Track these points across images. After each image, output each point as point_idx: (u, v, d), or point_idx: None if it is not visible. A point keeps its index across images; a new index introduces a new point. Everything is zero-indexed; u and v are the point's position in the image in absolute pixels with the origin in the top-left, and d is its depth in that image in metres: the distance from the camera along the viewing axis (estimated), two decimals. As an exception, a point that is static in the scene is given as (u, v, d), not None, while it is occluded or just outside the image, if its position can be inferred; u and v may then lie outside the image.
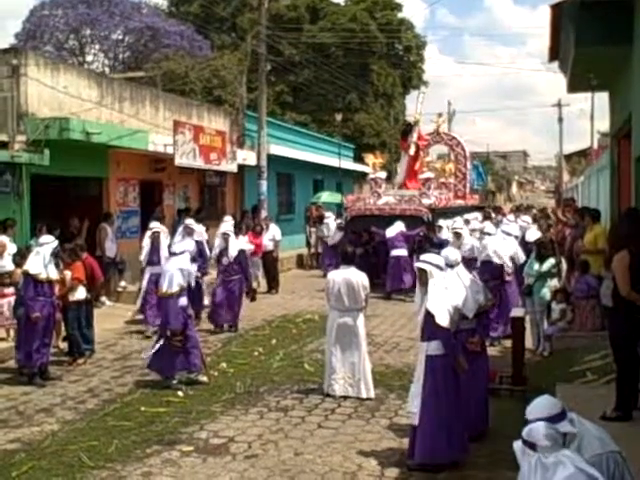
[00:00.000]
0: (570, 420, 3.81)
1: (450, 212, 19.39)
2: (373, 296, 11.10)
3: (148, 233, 13.73)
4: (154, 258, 13.23)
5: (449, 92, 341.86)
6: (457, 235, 14.38)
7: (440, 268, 6.91)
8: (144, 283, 13.27)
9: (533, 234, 15.16)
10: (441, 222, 17.40)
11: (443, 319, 6.54)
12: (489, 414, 7.64)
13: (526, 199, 78.05)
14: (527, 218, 18.50)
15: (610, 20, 8.21)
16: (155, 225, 13.78)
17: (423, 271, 6.87)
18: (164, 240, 13.56)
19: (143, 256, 13.46)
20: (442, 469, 6.53)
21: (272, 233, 18.55)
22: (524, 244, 14.11)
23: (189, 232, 13.43)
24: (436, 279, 6.78)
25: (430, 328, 6.61)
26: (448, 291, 6.79)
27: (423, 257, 7.18)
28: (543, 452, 3.60)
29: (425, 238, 17.61)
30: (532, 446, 3.65)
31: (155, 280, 12.24)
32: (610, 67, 9.37)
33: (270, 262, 18.39)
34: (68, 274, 10.72)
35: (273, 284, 18.24)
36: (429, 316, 6.60)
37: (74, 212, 15.49)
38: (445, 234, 16.87)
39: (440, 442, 6.49)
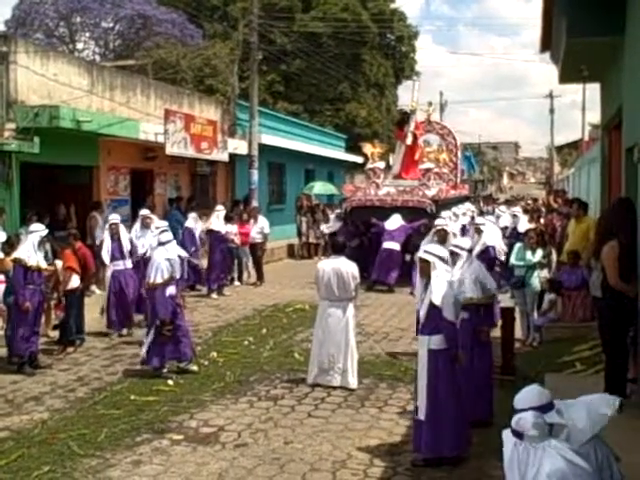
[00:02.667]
0: (557, 411, 3.82)
1: (449, 203, 19.20)
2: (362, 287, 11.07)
3: (106, 226, 12.60)
4: (116, 254, 12.04)
5: (442, 82, 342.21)
6: (478, 231, 13.09)
7: (443, 260, 6.81)
8: (107, 283, 12.17)
9: (524, 225, 15.24)
10: (443, 214, 17.17)
11: (450, 313, 6.46)
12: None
13: (510, 189, 78.24)
14: (518, 209, 18.53)
15: (602, 11, 8.19)
16: (114, 217, 12.59)
17: (426, 262, 6.68)
18: (125, 233, 12.36)
19: (104, 252, 12.06)
20: (446, 463, 6.48)
21: (260, 225, 18.14)
22: (516, 235, 14.17)
23: (146, 224, 13.03)
24: (439, 271, 6.64)
25: (434, 322, 6.51)
26: (452, 283, 6.72)
27: (426, 248, 7.05)
28: (530, 441, 3.62)
29: (428, 230, 17.45)
30: (520, 435, 3.66)
31: (118, 278, 11.89)
32: (602, 58, 9.36)
33: (257, 254, 18.07)
34: (59, 263, 10.68)
35: (258, 276, 18.00)
36: (433, 309, 6.49)
37: (64, 200, 15.44)
38: (451, 226, 16.73)
39: (446, 436, 6.45)
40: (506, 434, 3.80)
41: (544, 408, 3.74)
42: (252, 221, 18.23)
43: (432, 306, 6.51)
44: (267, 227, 18.38)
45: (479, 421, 7.17)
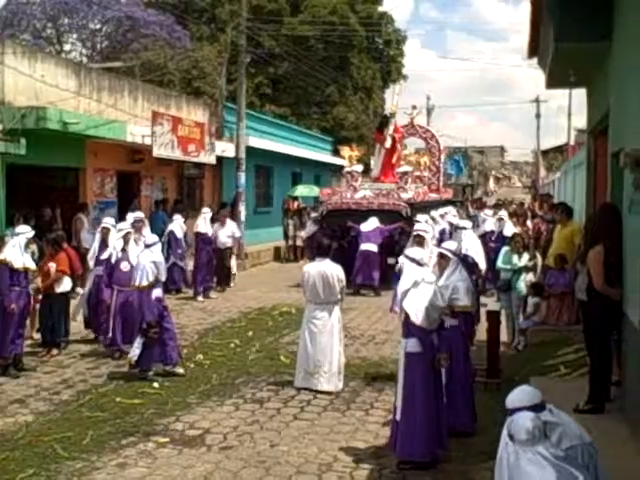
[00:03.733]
0: (550, 410, 3.84)
1: (427, 206, 19.26)
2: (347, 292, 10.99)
3: (98, 228, 12.18)
4: (102, 257, 11.43)
5: (430, 87, 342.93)
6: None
7: (419, 264, 6.89)
8: (87, 287, 11.77)
9: (510, 229, 15.33)
10: (419, 217, 17.23)
11: (417, 317, 6.50)
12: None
13: (493, 193, 78.50)
14: (504, 213, 18.60)
15: (589, 16, 8.23)
16: (107, 220, 12.25)
17: (443, 257, 6.83)
18: (113, 238, 11.50)
19: (90, 254, 11.72)
20: (422, 467, 6.49)
21: (230, 229, 17.24)
22: (502, 239, 14.24)
23: (138, 228, 12.24)
24: (413, 275, 6.75)
25: (407, 325, 6.60)
26: (428, 287, 6.70)
27: (406, 252, 7.17)
28: (521, 445, 3.62)
29: (403, 233, 17.52)
30: (512, 437, 3.67)
31: (99, 284, 11.20)
32: (589, 63, 9.41)
33: (225, 258, 17.14)
34: (53, 266, 10.62)
35: (226, 280, 17.39)
36: (406, 313, 6.60)
37: (50, 202, 15.38)
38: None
39: (416, 441, 6.45)
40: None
41: (537, 407, 3.76)
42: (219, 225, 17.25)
43: (403, 309, 6.62)
44: (237, 231, 17.92)
45: (462, 432, 7.18)
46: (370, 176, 20.89)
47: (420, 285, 6.67)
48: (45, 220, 14.80)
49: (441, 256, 7.80)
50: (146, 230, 12.52)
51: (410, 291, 6.64)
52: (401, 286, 7.02)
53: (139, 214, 13.35)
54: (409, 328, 6.57)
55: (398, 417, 6.57)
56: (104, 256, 11.25)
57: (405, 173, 19.26)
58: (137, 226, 12.31)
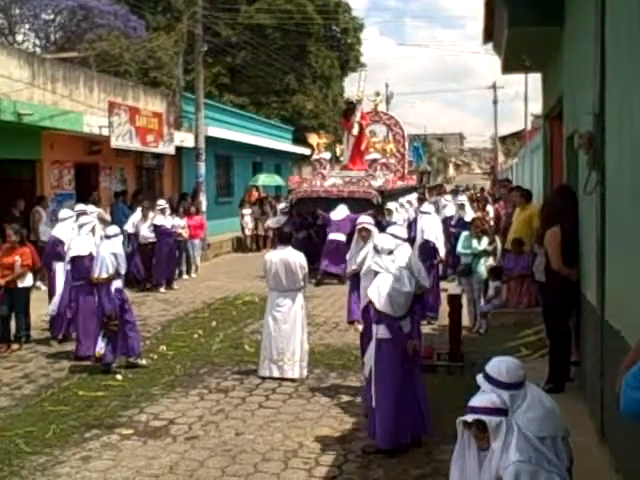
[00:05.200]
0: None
1: (395, 194, 19.20)
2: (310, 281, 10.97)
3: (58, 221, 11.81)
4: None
5: (389, 74, 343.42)
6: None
7: (381, 251, 6.89)
8: (62, 285, 11.09)
9: (470, 214, 15.47)
10: (390, 205, 17.20)
11: (380, 304, 6.52)
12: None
13: (452, 179, 79.17)
14: (463, 197, 18.73)
15: (542, 2, 8.35)
16: (92, 209, 12.49)
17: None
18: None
19: (66, 247, 11.05)
20: (394, 452, 6.49)
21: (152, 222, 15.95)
22: (462, 224, 14.35)
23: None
24: (375, 262, 6.80)
25: (375, 313, 6.62)
26: (391, 274, 6.70)
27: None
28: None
29: (374, 221, 17.43)
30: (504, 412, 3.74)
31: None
32: (542, 48, 9.54)
33: (150, 253, 16.10)
34: (18, 259, 10.45)
35: (153, 277, 16.21)
36: (369, 300, 6.65)
37: (6, 195, 15.11)
38: (395, 217, 16.81)
39: (390, 427, 6.47)
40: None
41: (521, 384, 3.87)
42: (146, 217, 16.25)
43: (367, 297, 6.70)
44: (167, 224, 16.28)
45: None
46: (338, 163, 20.78)
47: (382, 272, 6.70)
48: (13, 213, 14.52)
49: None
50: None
51: (377, 278, 6.67)
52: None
53: (90, 207, 12.74)
54: (377, 315, 6.59)
55: (373, 404, 6.57)
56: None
57: (374, 160, 19.05)
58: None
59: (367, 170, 18.83)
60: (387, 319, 6.52)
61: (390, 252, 6.86)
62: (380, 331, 6.58)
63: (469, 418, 3.70)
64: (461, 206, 16.41)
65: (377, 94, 23.59)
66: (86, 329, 9.88)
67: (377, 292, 6.58)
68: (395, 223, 15.44)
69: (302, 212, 18.33)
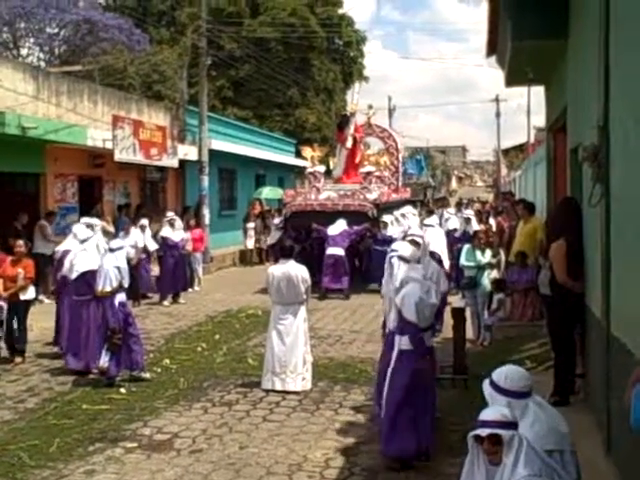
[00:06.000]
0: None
1: (390, 207, 19.14)
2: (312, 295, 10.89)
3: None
4: None
5: (392, 87, 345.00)
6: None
7: (409, 260, 6.84)
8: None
9: (476, 227, 15.49)
10: (385, 218, 17.17)
11: (410, 313, 6.47)
12: None
13: (453, 192, 79.17)
14: (470, 212, 18.71)
15: (546, 14, 8.37)
16: (95, 222, 12.02)
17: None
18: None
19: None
20: (409, 464, 6.43)
21: (133, 239, 15.25)
22: (468, 237, 14.35)
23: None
24: (405, 271, 6.74)
25: (400, 322, 6.58)
26: (419, 285, 6.65)
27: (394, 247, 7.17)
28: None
29: (369, 235, 17.43)
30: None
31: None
32: (546, 61, 9.56)
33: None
34: (21, 272, 10.45)
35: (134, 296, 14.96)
36: (398, 309, 6.60)
37: (10, 208, 15.12)
38: (390, 230, 16.81)
39: (407, 437, 6.39)
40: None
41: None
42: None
43: (396, 306, 6.59)
44: (141, 240, 15.77)
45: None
46: (332, 177, 20.71)
47: (410, 282, 6.65)
48: (16, 227, 14.53)
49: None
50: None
51: (402, 288, 6.63)
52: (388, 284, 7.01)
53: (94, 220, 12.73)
54: (402, 324, 6.55)
55: (383, 414, 6.55)
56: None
57: (369, 173, 18.95)
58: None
59: (362, 183, 18.70)
60: (412, 329, 6.48)
61: (418, 261, 6.82)
62: (403, 342, 6.54)
63: (483, 432, 3.60)
64: (467, 220, 16.39)
65: (370, 107, 23.42)
66: (87, 343, 9.85)
67: (405, 301, 6.53)
68: (390, 236, 15.53)
69: (297, 226, 18.13)
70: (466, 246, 12.11)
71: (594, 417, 6.83)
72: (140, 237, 15.88)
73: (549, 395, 7.21)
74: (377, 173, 20.07)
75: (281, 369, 8.87)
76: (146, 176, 21.09)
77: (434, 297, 6.65)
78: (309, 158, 19.87)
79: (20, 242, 10.70)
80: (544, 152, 13.55)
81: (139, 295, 15.35)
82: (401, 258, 6.89)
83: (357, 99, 21.33)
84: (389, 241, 13.36)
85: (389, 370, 6.60)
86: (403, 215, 19.00)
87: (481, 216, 20.05)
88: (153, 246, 16.23)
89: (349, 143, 19.88)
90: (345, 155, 20.08)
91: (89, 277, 9.93)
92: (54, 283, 12.05)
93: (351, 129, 20.03)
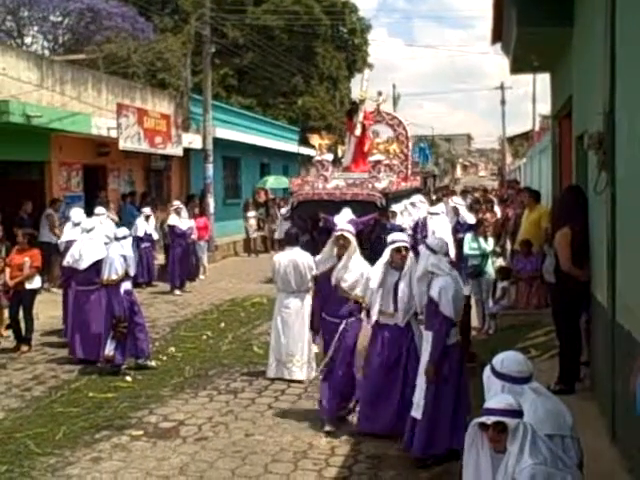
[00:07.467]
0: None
1: (400, 196, 18.96)
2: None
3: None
4: None
5: (397, 75, 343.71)
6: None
7: (434, 251, 6.41)
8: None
9: (469, 217, 15.39)
10: (394, 207, 17.02)
11: (448, 310, 6.12)
12: None
13: (457, 181, 79.05)
14: (459, 199, 18.58)
15: (551, 1, 8.33)
16: (101, 210, 12.75)
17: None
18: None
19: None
20: (440, 460, 6.26)
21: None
22: (469, 227, 14.30)
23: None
24: (435, 263, 6.32)
25: (430, 317, 6.25)
26: (451, 277, 6.28)
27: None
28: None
29: (378, 224, 17.32)
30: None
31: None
32: (551, 48, 9.51)
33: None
34: (27, 261, 10.48)
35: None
36: (430, 304, 6.24)
37: (15, 197, 15.14)
38: (399, 220, 16.70)
39: (438, 436, 6.21)
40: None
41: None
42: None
43: (430, 300, 6.24)
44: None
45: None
46: (340, 165, 20.57)
47: (440, 276, 6.25)
48: (21, 216, 14.56)
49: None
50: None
51: (432, 281, 6.25)
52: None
53: (99, 209, 12.99)
54: (432, 319, 6.22)
55: (418, 415, 6.23)
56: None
57: (378, 162, 18.73)
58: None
59: (370, 172, 18.52)
60: (448, 326, 6.18)
61: (447, 253, 6.52)
62: (451, 335, 6.24)
63: (488, 420, 3.58)
64: (455, 210, 16.11)
65: (379, 94, 23.10)
66: (93, 331, 9.87)
67: (442, 296, 6.12)
68: (399, 226, 15.44)
69: (303, 215, 18.01)
70: (468, 235, 12.07)
71: (599, 404, 6.84)
72: (144, 226, 15.97)
73: (554, 383, 7.22)
74: (386, 161, 19.86)
75: (287, 358, 8.88)
76: (151, 164, 21.08)
77: (464, 288, 6.43)
78: (317, 146, 19.62)
79: (19, 235, 10.75)
80: (549, 140, 13.51)
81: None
82: (428, 248, 6.49)
83: (366, 86, 21.05)
84: (399, 230, 13.28)
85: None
86: (413, 204, 18.89)
87: (479, 205, 19.78)
88: (156, 235, 16.31)
89: (358, 131, 19.68)
90: (354, 143, 19.90)
91: (100, 266, 9.95)
92: (61, 273, 12.05)
93: (360, 117, 19.82)
